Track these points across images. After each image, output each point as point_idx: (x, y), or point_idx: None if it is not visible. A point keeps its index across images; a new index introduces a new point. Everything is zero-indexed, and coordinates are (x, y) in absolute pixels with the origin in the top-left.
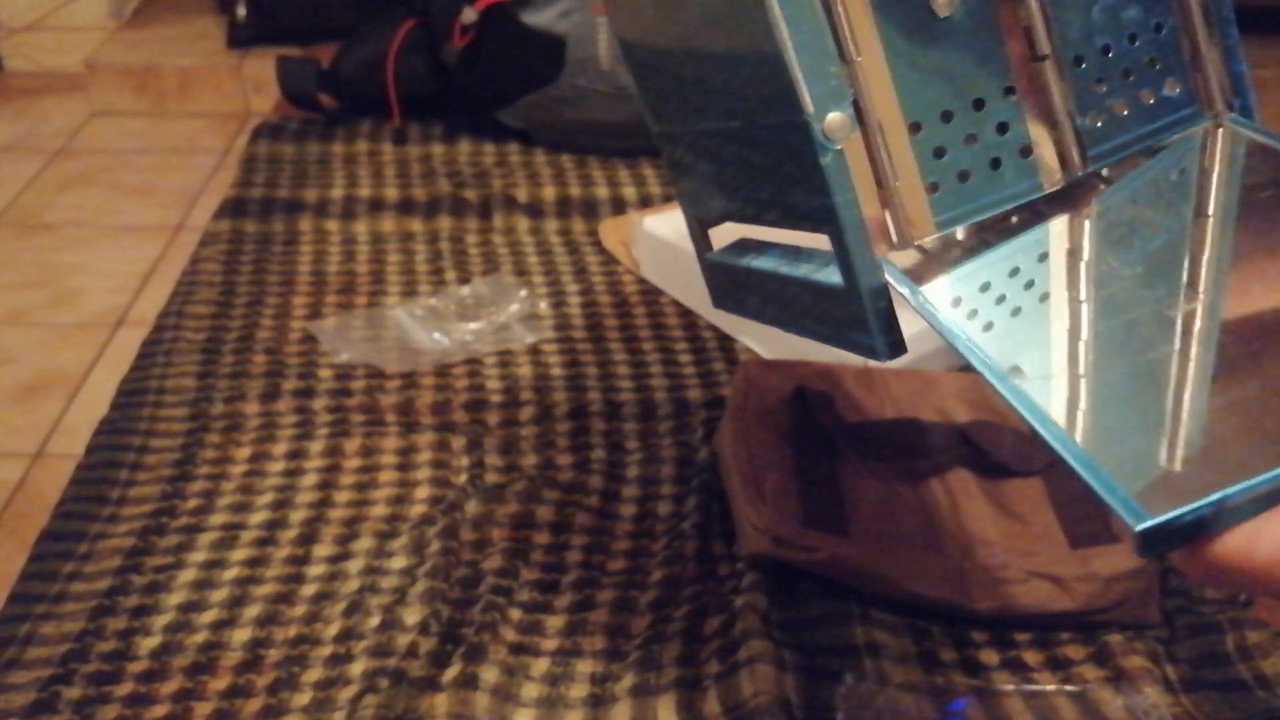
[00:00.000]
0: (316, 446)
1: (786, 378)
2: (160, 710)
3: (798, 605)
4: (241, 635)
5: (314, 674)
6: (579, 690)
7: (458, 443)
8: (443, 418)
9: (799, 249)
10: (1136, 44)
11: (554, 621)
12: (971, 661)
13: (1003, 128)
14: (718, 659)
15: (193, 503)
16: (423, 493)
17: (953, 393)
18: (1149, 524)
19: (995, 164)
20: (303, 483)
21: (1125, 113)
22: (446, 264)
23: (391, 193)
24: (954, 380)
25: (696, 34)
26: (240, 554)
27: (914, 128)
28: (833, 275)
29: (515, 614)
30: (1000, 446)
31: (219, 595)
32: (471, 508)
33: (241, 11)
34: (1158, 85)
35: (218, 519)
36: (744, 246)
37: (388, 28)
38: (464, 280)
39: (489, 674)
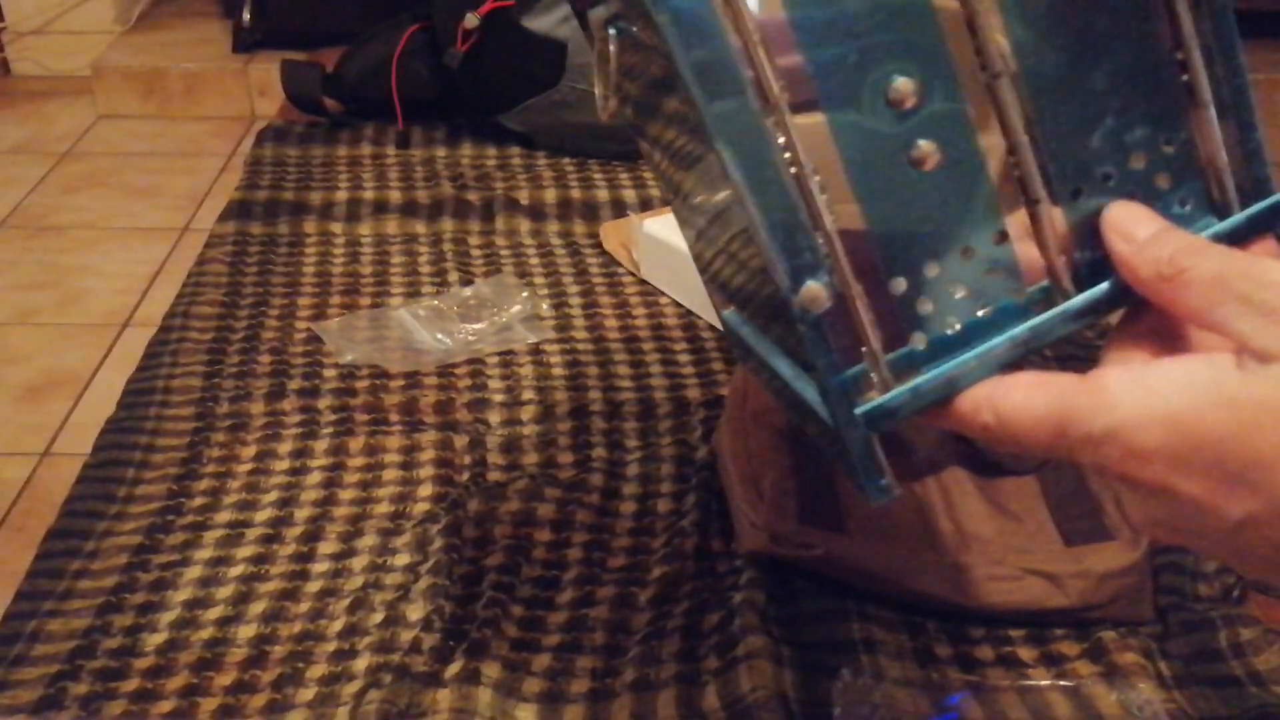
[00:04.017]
0: (321, 445)
1: None
2: (166, 706)
3: (795, 602)
4: (247, 631)
5: (318, 669)
6: (580, 685)
7: (460, 442)
8: (445, 417)
9: (776, 344)
10: (1142, 165)
11: (555, 617)
12: (967, 657)
13: (992, 272)
14: (716, 654)
15: (199, 501)
16: (426, 491)
17: None
18: (865, 408)
19: (983, 309)
20: (307, 481)
21: None
22: (449, 265)
23: (395, 195)
24: None
25: (703, 192)
26: (245, 551)
27: (897, 284)
28: (814, 395)
29: (517, 610)
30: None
31: (224, 592)
32: (474, 505)
33: (246, 16)
34: (1166, 205)
35: (223, 517)
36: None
37: (391, 32)
38: (467, 281)
39: (491, 669)
